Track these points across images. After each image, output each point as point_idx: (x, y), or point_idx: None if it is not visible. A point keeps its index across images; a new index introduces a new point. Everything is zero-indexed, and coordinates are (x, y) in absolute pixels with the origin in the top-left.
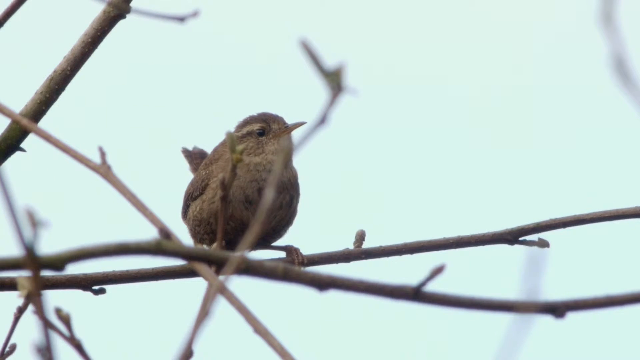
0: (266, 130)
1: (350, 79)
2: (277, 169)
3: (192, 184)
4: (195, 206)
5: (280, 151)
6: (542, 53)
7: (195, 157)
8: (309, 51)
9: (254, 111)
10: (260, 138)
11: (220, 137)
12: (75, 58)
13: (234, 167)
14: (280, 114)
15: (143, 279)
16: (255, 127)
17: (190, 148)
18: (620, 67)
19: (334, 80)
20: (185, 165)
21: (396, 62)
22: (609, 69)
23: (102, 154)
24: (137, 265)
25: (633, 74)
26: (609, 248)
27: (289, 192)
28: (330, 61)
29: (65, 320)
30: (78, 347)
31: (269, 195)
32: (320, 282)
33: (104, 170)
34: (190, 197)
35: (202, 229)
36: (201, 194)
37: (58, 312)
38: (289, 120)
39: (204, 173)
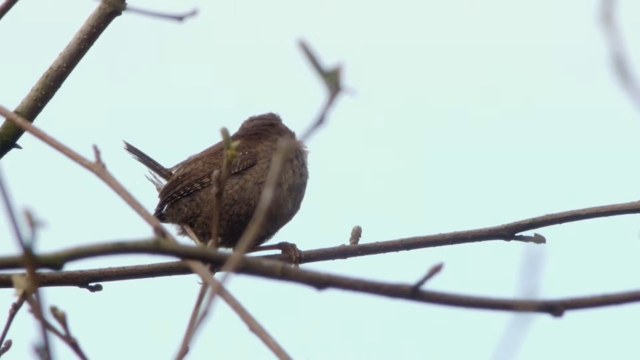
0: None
1: (348, 78)
2: (276, 168)
3: (213, 163)
4: (227, 185)
5: (282, 150)
6: (540, 51)
7: (134, 150)
8: (307, 51)
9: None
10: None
11: (217, 136)
12: (71, 55)
13: (229, 163)
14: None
15: (139, 275)
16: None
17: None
18: (620, 67)
19: (332, 80)
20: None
21: (394, 61)
22: (608, 68)
23: (97, 152)
24: (133, 262)
25: (632, 74)
26: (605, 244)
27: (302, 196)
28: (328, 61)
29: (61, 319)
30: (74, 345)
31: (267, 194)
32: (319, 281)
33: (98, 168)
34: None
35: (236, 209)
36: (240, 172)
37: (54, 310)
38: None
39: (242, 154)
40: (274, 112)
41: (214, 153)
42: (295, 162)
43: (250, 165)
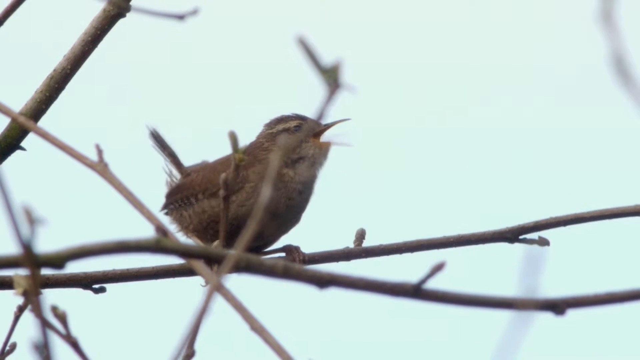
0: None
1: (347, 75)
2: (274, 165)
3: (208, 180)
4: (216, 203)
5: (281, 149)
6: (542, 51)
7: (158, 140)
8: (306, 48)
9: (289, 111)
10: (296, 134)
11: (225, 141)
12: (76, 57)
13: (237, 167)
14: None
15: (143, 277)
16: (292, 124)
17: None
18: (620, 66)
19: (331, 77)
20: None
21: (395, 58)
22: (608, 68)
23: (99, 152)
24: (136, 264)
25: (633, 73)
26: (609, 246)
27: (304, 208)
28: (327, 58)
29: (62, 318)
30: (74, 345)
31: (266, 192)
32: (320, 279)
33: (100, 168)
34: (205, 195)
35: (206, 228)
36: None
37: (54, 310)
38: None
39: (233, 177)
40: (298, 113)
41: (213, 168)
42: (283, 191)
43: (239, 189)
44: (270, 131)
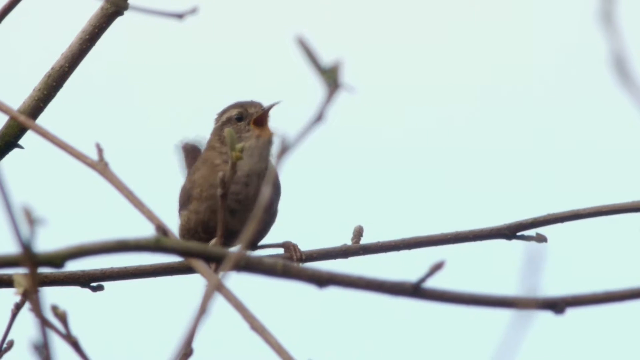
0: (244, 114)
1: (347, 75)
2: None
3: (180, 195)
4: (184, 216)
5: (258, 147)
6: (542, 51)
7: (188, 152)
8: (306, 48)
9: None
10: (239, 124)
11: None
12: (73, 55)
13: (234, 165)
14: (258, 100)
15: (141, 275)
16: (233, 112)
17: (182, 143)
18: (620, 67)
19: (331, 77)
20: (181, 159)
21: (395, 58)
22: (608, 68)
23: (100, 151)
24: (135, 262)
25: (632, 74)
26: (607, 242)
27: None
28: (327, 58)
29: (62, 317)
30: (74, 344)
31: (266, 191)
32: (320, 278)
33: (101, 167)
34: (180, 208)
35: (190, 237)
36: (188, 205)
37: (54, 309)
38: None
39: (188, 185)
40: (240, 101)
41: (182, 185)
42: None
43: (190, 197)
44: (216, 126)
